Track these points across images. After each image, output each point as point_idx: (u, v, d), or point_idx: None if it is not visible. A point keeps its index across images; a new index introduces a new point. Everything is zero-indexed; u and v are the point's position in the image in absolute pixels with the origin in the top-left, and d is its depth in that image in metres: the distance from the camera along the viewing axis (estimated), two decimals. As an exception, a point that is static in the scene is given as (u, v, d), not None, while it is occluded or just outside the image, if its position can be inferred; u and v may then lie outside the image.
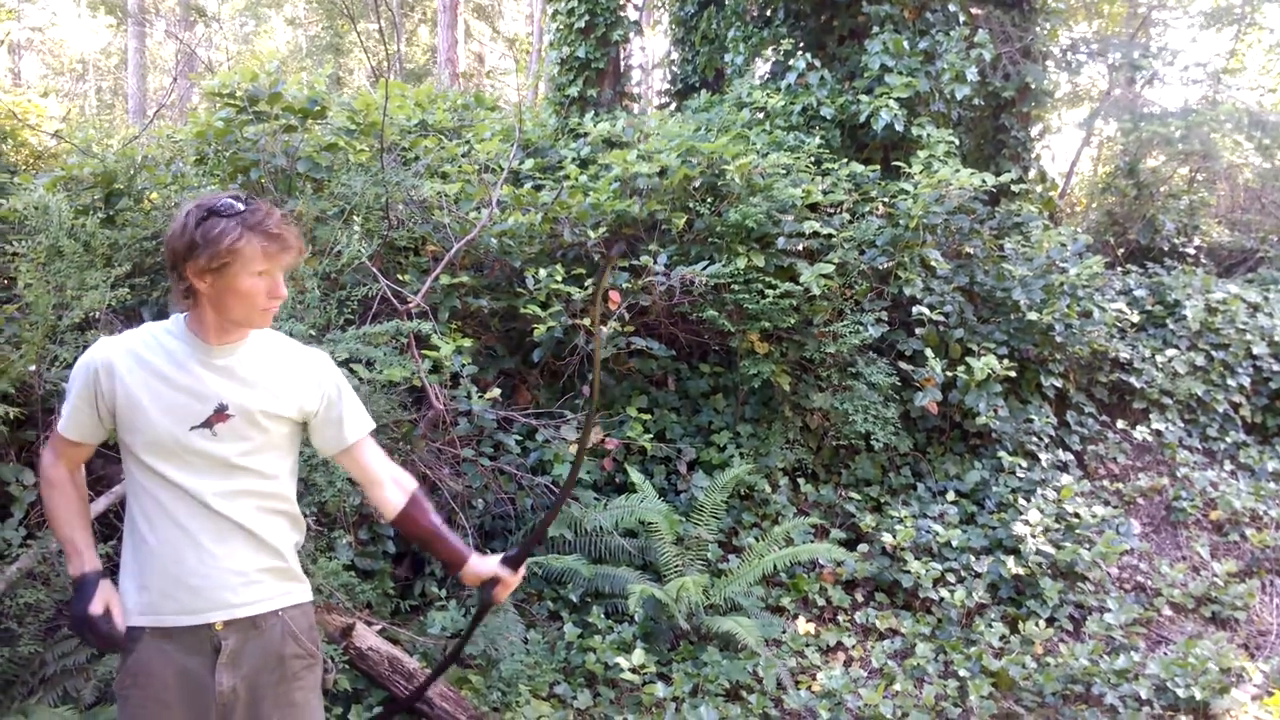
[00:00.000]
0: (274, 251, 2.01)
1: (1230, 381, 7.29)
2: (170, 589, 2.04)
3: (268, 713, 2.13)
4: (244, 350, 2.11)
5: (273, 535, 2.14)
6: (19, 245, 3.63)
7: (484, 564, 2.41)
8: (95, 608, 2.03)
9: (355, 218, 4.71)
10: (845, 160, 6.64)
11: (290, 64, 19.22)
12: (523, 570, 2.46)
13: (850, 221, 6.44)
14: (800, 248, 5.93)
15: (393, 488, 2.31)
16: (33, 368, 3.44)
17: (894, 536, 5.41)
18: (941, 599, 5.17)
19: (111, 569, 2.15)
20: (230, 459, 2.07)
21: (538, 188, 6.26)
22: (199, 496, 2.04)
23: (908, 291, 6.12)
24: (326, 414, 2.22)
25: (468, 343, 4.82)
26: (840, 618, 5.13)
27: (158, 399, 2.03)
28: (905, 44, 7.22)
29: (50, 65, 22.68)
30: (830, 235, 6.01)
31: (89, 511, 2.22)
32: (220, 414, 2.06)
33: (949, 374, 5.98)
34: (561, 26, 9.16)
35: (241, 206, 1.99)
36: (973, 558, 5.40)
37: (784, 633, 4.81)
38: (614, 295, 5.34)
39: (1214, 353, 7.39)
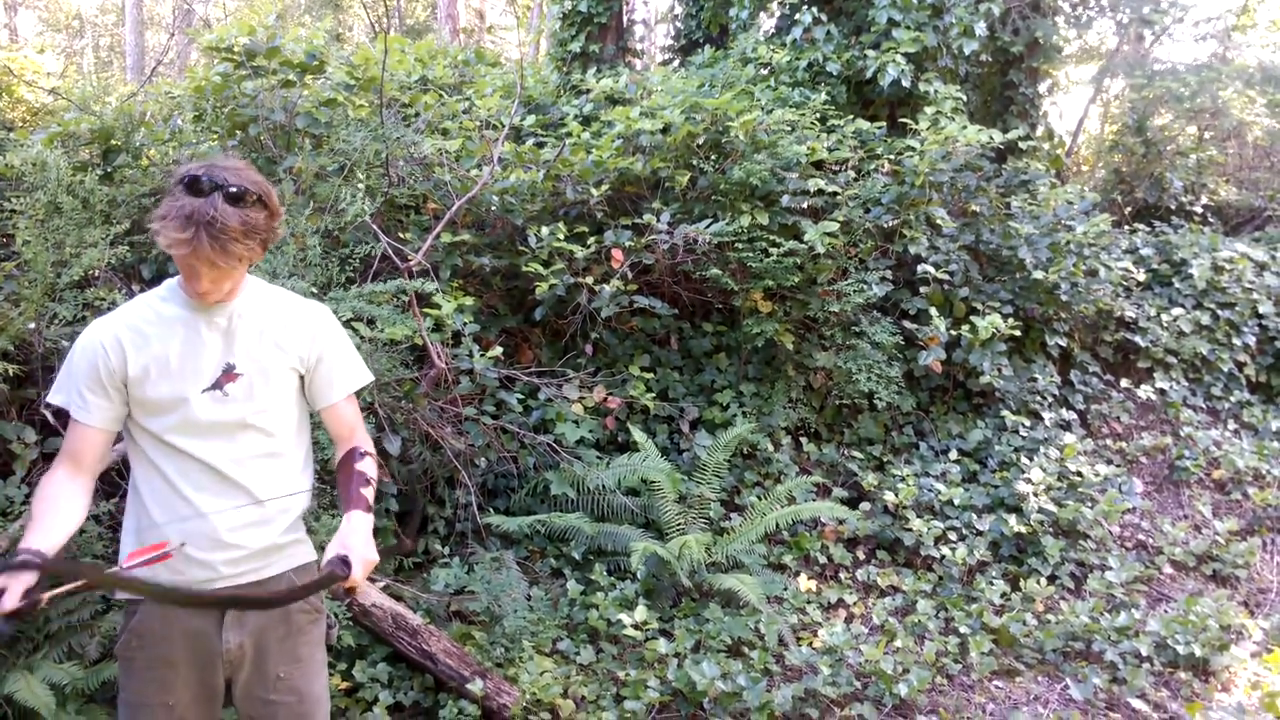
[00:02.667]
0: (181, 256, 1.88)
1: (1235, 341, 7.26)
2: (180, 566, 2.03)
3: (274, 668, 2.14)
4: (242, 305, 2.08)
5: (281, 499, 2.13)
6: (17, 202, 3.60)
7: (339, 539, 2.04)
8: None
9: (357, 174, 4.67)
10: (851, 117, 6.57)
11: (288, 19, 18.99)
12: (355, 574, 1.98)
13: (855, 179, 6.38)
14: (805, 206, 5.87)
15: (343, 448, 2.26)
16: (32, 325, 3.43)
17: (896, 495, 5.42)
18: (943, 557, 5.19)
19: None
20: (243, 418, 2.06)
21: (539, 145, 6.20)
22: (209, 463, 2.02)
23: (913, 250, 6.08)
24: (317, 369, 2.20)
25: (469, 301, 4.79)
26: (842, 575, 5.15)
27: (166, 366, 2.01)
28: (913, -2, 7.11)
29: (46, 21, 22.42)
30: (835, 193, 5.96)
31: (73, 524, 1.97)
32: (229, 374, 2.04)
33: (953, 333, 5.96)
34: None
35: (195, 185, 1.84)
36: (975, 516, 5.41)
37: (785, 590, 4.83)
38: (617, 253, 5.30)
39: (1220, 312, 7.36)
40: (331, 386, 2.22)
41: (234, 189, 1.86)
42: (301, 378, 2.19)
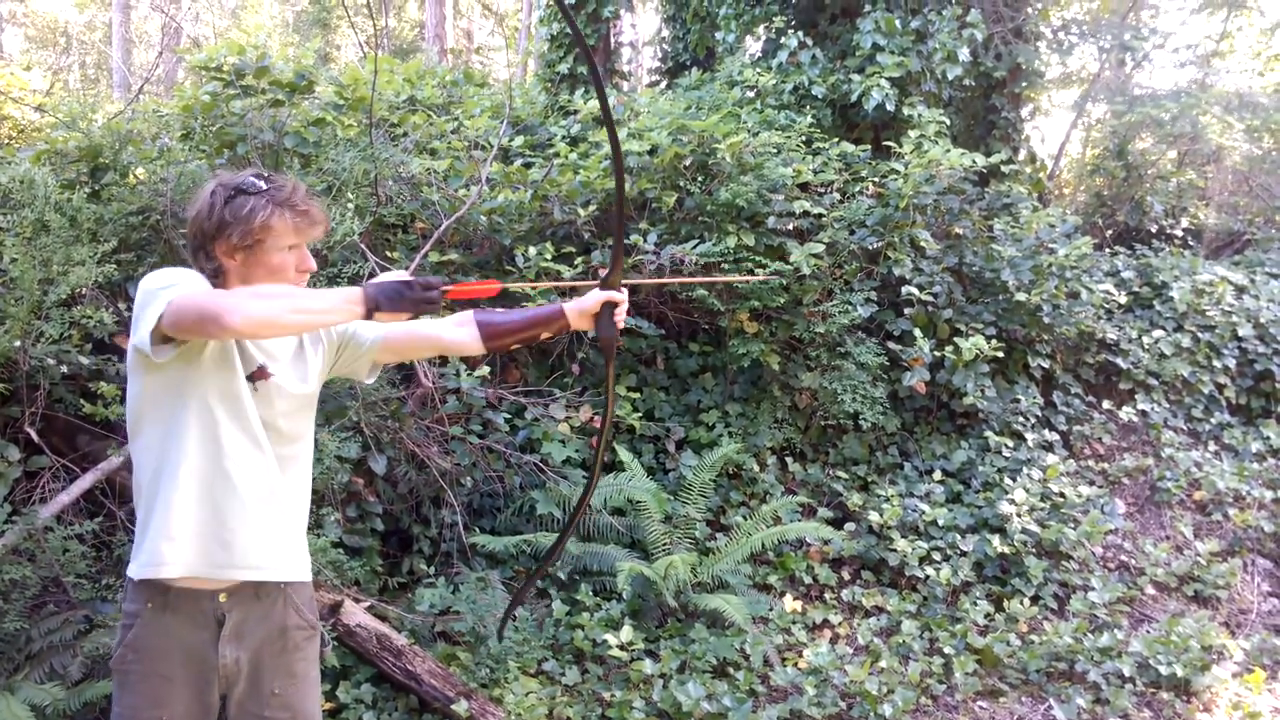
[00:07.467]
0: (304, 226, 2.05)
1: (1216, 363, 7.33)
2: (204, 542, 2.02)
3: (269, 684, 2.14)
4: None
5: (296, 504, 2.18)
6: (4, 220, 3.60)
7: (584, 301, 2.34)
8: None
9: (346, 193, 4.68)
10: (836, 140, 6.63)
11: (277, 38, 19.04)
12: (624, 293, 2.34)
13: (840, 201, 6.43)
14: (790, 227, 5.92)
15: (453, 329, 2.32)
16: (18, 344, 3.41)
17: (881, 515, 5.43)
18: (927, 577, 5.20)
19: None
20: (272, 420, 2.10)
21: (527, 165, 6.23)
22: (256, 445, 2.06)
23: (897, 272, 6.12)
24: (342, 341, 2.28)
25: (456, 320, 4.79)
26: (827, 595, 5.16)
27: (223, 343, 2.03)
28: (897, 23, 7.19)
29: (32, 39, 22.40)
30: (820, 215, 6.01)
31: None
32: (261, 372, 2.09)
33: (937, 354, 5.99)
34: (551, 2, 9.09)
35: (264, 185, 2.00)
36: (959, 536, 5.43)
37: (771, 610, 4.83)
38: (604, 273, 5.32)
39: (1200, 334, 7.43)
40: (364, 334, 2.30)
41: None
42: (321, 388, 2.26)
